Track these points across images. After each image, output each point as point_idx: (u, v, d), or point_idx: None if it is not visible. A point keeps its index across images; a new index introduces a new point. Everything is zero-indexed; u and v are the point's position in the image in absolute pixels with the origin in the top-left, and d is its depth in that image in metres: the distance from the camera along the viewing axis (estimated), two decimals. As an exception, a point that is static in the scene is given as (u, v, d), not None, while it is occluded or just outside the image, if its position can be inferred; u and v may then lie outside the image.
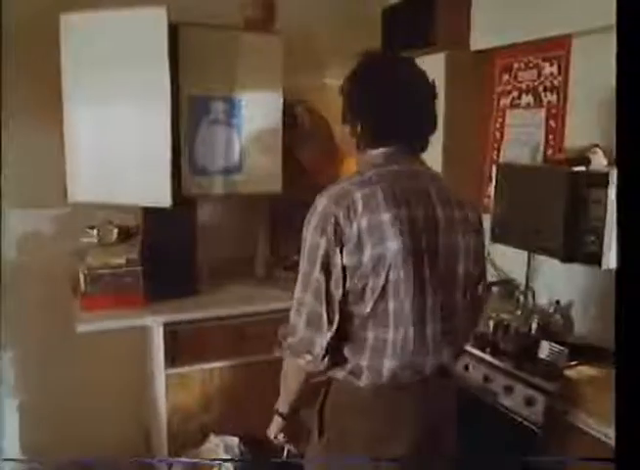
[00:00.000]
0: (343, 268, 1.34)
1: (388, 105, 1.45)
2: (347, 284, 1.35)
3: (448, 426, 1.59)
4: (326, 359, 1.40)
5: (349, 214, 1.33)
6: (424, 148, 1.53)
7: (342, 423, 1.48)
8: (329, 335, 1.37)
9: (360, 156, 1.52)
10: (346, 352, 1.41)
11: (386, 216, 1.34)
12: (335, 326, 1.37)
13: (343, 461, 1.48)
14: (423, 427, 1.48)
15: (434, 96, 1.51)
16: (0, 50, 2.41)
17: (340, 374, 1.45)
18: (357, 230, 1.33)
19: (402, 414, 1.46)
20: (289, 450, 1.71)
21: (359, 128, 1.47)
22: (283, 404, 1.60)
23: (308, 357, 1.40)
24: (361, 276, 1.35)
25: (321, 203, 1.38)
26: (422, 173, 1.49)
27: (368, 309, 1.37)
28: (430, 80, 1.51)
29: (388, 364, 1.41)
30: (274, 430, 1.65)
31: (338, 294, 1.36)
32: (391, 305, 1.37)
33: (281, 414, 1.61)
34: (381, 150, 1.47)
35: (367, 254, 1.33)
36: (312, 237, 1.36)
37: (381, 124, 1.46)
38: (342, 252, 1.33)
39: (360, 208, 1.34)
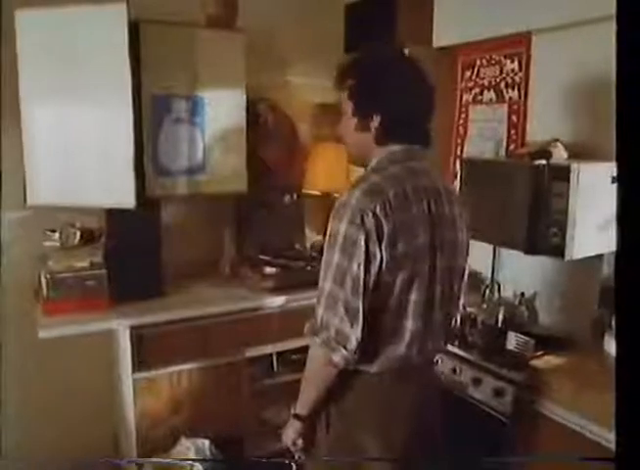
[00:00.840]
0: (380, 261, 1.36)
1: (407, 98, 1.47)
2: (380, 276, 1.38)
3: (437, 413, 1.67)
4: (357, 353, 1.39)
5: (386, 210, 1.36)
6: (430, 144, 1.57)
7: (353, 413, 1.51)
8: (363, 329, 1.38)
9: (379, 151, 1.51)
10: (368, 339, 1.41)
11: (415, 213, 1.40)
12: (368, 312, 1.38)
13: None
14: (425, 412, 1.58)
15: (435, 92, 1.55)
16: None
17: (364, 365, 1.46)
18: (393, 225, 1.36)
19: (409, 400, 1.53)
20: (298, 458, 1.64)
21: (377, 122, 1.47)
22: (304, 406, 1.54)
23: (344, 352, 1.38)
24: (393, 269, 1.38)
25: (355, 196, 1.38)
26: (432, 171, 1.53)
27: (395, 301, 1.42)
28: (424, 69, 1.53)
29: (403, 351, 1.47)
30: (292, 436, 1.58)
31: (371, 287, 1.37)
32: (413, 296, 1.43)
33: (300, 417, 1.55)
34: (400, 146, 1.49)
35: (400, 248, 1.37)
36: (348, 230, 1.36)
37: (401, 119, 1.48)
38: (380, 246, 1.35)
39: (395, 203, 1.37)
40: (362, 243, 1.34)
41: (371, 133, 1.49)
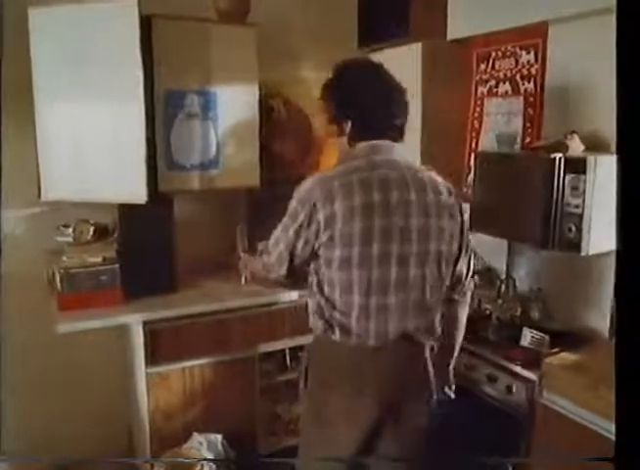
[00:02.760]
0: (315, 238, 1.62)
1: (371, 104, 1.69)
2: (316, 249, 1.64)
3: (417, 393, 1.76)
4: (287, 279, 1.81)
5: (327, 199, 1.59)
6: (401, 138, 1.75)
7: (320, 376, 1.73)
8: (289, 268, 1.72)
9: (349, 150, 1.72)
10: (324, 309, 1.68)
11: (357, 201, 1.58)
12: (295, 265, 1.71)
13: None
14: (390, 387, 1.68)
15: (404, 92, 1.75)
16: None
17: (319, 329, 1.70)
18: (331, 212, 1.58)
19: (370, 373, 1.66)
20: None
21: (349, 126, 1.70)
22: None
23: (274, 275, 1.80)
24: (332, 247, 1.61)
25: (308, 183, 1.65)
26: (399, 162, 1.69)
27: (337, 276, 1.63)
28: (397, 79, 1.75)
29: (355, 325, 1.65)
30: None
31: (303, 253, 1.67)
32: (356, 273, 1.61)
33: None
34: (365, 143, 1.69)
35: (337, 231, 1.59)
36: (295, 206, 1.65)
37: (365, 122, 1.69)
38: (316, 227, 1.61)
39: (337, 193, 1.58)
40: (300, 219, 1.62)
41: (345, 136, 1.72)
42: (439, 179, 1.73)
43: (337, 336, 1.66)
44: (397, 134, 1.74)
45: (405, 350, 1.69)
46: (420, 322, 1.70)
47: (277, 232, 1.73)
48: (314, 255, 1.66)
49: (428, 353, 1.75)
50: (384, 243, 1.60)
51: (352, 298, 1.63)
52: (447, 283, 1.76)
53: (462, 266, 1.79)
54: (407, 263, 1.63)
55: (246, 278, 2.38)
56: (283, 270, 1.73)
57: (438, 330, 1.77)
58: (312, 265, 1.71)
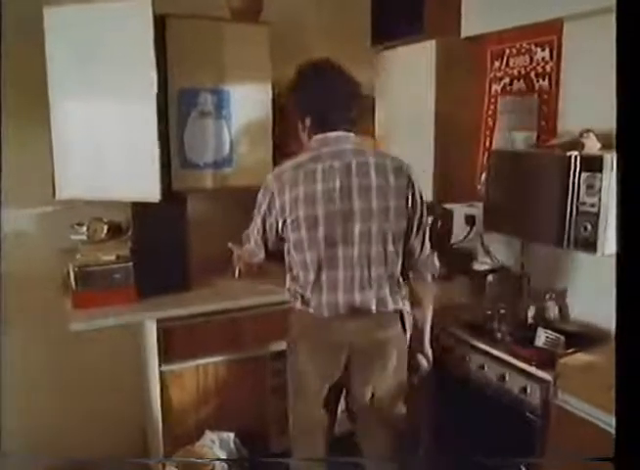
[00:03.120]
0: (276, 223, 1.92)
1: (323, 102, 1.90)
2: (281, 233, 1.94)
3: (382, 358, 1.98)
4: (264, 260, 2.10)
5: (280, 190, 1.88)
6: (352, 129, 1.95)
7: (292, 337, 2.04)
8: (267, 252, 2.04)
9: (307, 144, 1.96)
10: (291, 284, 2.00)
11: (301, 191, 1.84)
12: (270, 248, 2.02)
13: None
14: (358, 350, 1.94)
15: (356, 89, 1.97)
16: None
17: (291, 301, 2.01)
18: (283, 201, 1.87)
19: (338, 338, 1.92)
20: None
21: (308, 122, 1.92)
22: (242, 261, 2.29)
23: (256, 259, 2.11)
24: (288, 230, 1.90)
25: (268, 178, 1.94)
26: (347, 151, 1.89)
27: (296, 256, 1.92)
28: (351, 77, 1.95)
29: (311, 298, 1.92)
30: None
31: (271, 236, 1.97)
32: (308, 254, 1.89)
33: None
34: (316, 137, 1.92)
35: (289, 216, 1.87)
36: (259, 198, 1.96)
37: (321, 117, 1.91)
38: (275, 214, 1.91)
39: (287, 184, 1.87)
40: (263, 209, 1.94)
41: (305, 131, 1.96)
42: (390, 162, 1.91)
43: (299, 306, 1.96)
44: (351, 125, 1.94)
45: (355, 319, 1.91)
46: (368, 295, 1.91)
47: (253, 222, 2.01)
48: (281, 238, 1.95)
49: (385, 322, 1.96)
50: (328, 226, 1.85)
51: (308, 275, 1.91)
52: (399, 259, 1.96)
53: (413, 243, 1.98)
54: (352, 243, 1.87)
55: (239, 271, 2.47)
56: (262, 253, 2.04)
57: (390, 302, 1.95)
58: (285, 248, 1.97)
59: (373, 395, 2.00)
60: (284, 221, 1.89)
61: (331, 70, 1.93)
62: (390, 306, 1.94)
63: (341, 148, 1.89)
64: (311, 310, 1.93)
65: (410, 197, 1.90)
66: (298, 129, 2.00)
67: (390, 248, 1.91)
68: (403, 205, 1.89)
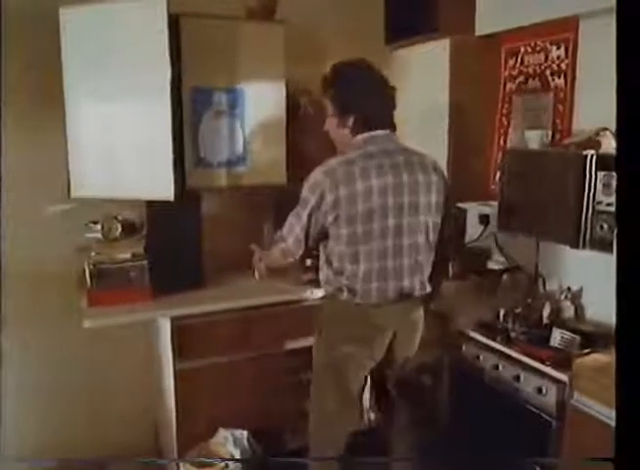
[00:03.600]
0: (324, 219, 1.95)
1: (368, 101, 1.98)
2: (327, 229, 1.97)
3: (415, 333, 2.17)
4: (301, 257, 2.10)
5: (332, 186, 1.90)
6: (394, 128, 2.05)
7: (332, 328, 2.09)
8: (305, 249, 2.05)
9: (349, 141, 2.02)
10: (334, 277, 2.04)
11: (359, 187, 1.90)
12: (310, 245, 2.03)
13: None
14: (400, 330, 2.09)
15: (393, 89, 2.05)
16: (0, 46, 2.38)
17: (329, 294, 2.09)
18: (337, 196, 1.90)
19: (383, 322, 2.04)
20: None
21: (352, 121, 1.98)
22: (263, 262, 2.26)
23: (291, 259, 2.11)
24: (339, 226, 1.94)
25: (317, 174, 1.95)
26: (394, 149, 2.00)
27: (345, 250, 1.97)
28: (384, 75, 2.04)
29: (360, 288, 2.00)
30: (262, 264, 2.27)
31: (315, 232, 1.99)
32: (361, 247, 1.96)
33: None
34: (363, 135, 1.99)
35: (343, 212, 1.91)
36: (305, 194, 1.96)
37: (366, 116, 1.98)
38: (325, 209, 1.93)
39: (341, 180, 1.90)
40: (310, 205, 1.94)
41: (347, 129, 2.00)
42: (428, 160, 2.07)
43: (344, 296, 2.02)
44: (392, 124, 2.04)
45: (399, 303, 2.05)
46: (414, 281, 2.06)
47: (290, 220, 2.02)
48: (324, 234, 1.99)
49: (419, 303, 2.13)
50: (382, 220, 1.94)
51: (358, 266, 1.97)
52: (434, 249, 2.12)
53: (445, 233, 2.15)
54: (401, 234, 1.99)
55: (260, 273, 2.40)
56: (300, 251, 2.04)
57: (428, 286, 2.12)
58: (321, 244, 2.05)
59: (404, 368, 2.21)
60: (335, 216, 1.92)
61: (370, 70, 2.01)
62: (428, 289, 2.13)
63: (387, 147, 1.99)
64: (358, 299, 2.00)
65: (444, 192, 2.08)
66: (334, 126, 2.05)
67: (431, 238, 2.07)
68: (442, 200, 2.08)
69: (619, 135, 0.93)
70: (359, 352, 2.06)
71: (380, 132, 1.99)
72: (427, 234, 2.06)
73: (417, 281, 2.08)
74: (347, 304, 2.02)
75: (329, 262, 2.04)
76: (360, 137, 1.99)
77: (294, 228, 2.01)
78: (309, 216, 1.96)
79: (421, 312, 2.16)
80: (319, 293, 2.60)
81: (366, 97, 1.98)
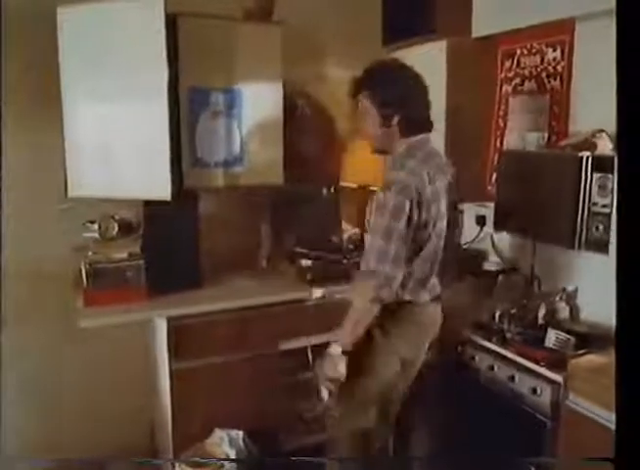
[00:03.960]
0: (418, 222, 1.87)
1: (414, 100, 1.96)
2: (417, 233, 1.89)
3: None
4: (398, 289, 1.92)
5: (420, 185, 1.86)
6: (432, 128, 2.04)
7: (395, 331, 2.01)
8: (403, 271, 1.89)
9: (399, 140, 1.98)
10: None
11: (433, 188, 1.90)
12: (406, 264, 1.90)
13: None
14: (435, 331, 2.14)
15: (427, 87, 2.01)
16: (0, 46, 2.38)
17: (401, 296, 1.98)
18: (423, 197, 1.86)
19: (429, 320, 2.09)
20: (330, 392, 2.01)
21: (397, 119, 1.94)
22: (350, 339, 1.93)
23: (388, 292, 1.86)
24: (422, 228, 1.90)
25: (399, 176, 1.87)
26: (438, 151, 2.07)
27: (420, 251, 1.93)
28: (419, 74, 1.99)
29: (424, 287, 2.02)
30: (340, 369, 1.94)
31: (409, 242, 1.87)
32: (431, 247, 1.97)
33: (346, 351, 1.94)
34: (417, 137, 1.98)
35: (425, 214, 1.88)
36: (396, 199, 1.82)
37: (414, 115, 1.96)
38: (419, 210, 1.86)
39: (425, 181, 1.88)
40: (407, 209, 1.82)
41: (392, 128, 1.96)
42: (447, 160, 2.11)
43: (400, 297, 1.97)
44: (431, 126, 2.03)
45: (436, 302, 2.09)
46: (446, 280, 2.13)
47: (375, 244, 1.85)
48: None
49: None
50: (441, 220, 1.98)
51: (424, 267, 1.98)
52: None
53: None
54: (441, 236, 2.01)
55: (329, 389, 2.02)
56: (401, 272, 1.87)
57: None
58: None
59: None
60: (421, 219, 1.89)
61: (407, 69, 1.99)
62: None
63: (434, 148, 2.04)
64: (409, 297, 2.00)
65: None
66: (376, 126, 1.99)
67: (452, 238, 2.14)
68: (457, 199, 2.17)
69: (619, 136, 0.93)
70: (414, 349, 2.09)
71: (428, 135, 2.01)
72: (452, 235, 2.14)
73: (448, 279, 2.16)
74: (402, 304, 2.00)
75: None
76: (417, 138, 1.97)
77: (387, 250, 1.83)
78: (409, 222, 1.84)
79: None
80: (316, 293, 2.61)
81: (408, 95, 1.95)
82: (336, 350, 1.93)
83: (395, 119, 1.94)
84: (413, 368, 2.11)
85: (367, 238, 1.91)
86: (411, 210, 1.83)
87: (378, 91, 1.96)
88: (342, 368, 1.93)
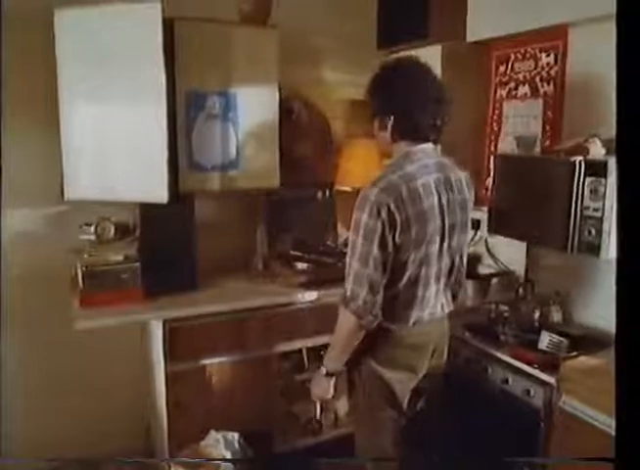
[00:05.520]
0: (394, 245, 1.71)
1: (415, 102, 1.78)
2: (396, 257, 1.73)
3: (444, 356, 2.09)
4: (379, 316, 1.77)
5: (398, 204, 1.68)
6: (439, 138, 1.88)
7: (383, 357, 1.88)
8: (383, 296, 1.75)
9: (392, 145, 1.85)
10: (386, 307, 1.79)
11: (425, 205, 1.73)
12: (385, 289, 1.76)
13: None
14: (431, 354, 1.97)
15: (448, 92, 1.84)
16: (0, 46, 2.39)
17: (387, 325, 1.83)
18: (405, 217, 1.69)
19: (421, 341, 1.92)
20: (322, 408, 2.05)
21: (391, 122, 1.80)
22: (335, 363, 1.89)
23: (370, 318, 1.74)
24: (405, 251, 1.74)
25: (374, 193, 1.69)
26: (445, 164, 1.87)
27: (407, 275, 1.77)
28: (437, 79, 1.84)
29: (417, 313, 1.85)
30: (327, 389, 1.93)
31: (388, 265, 1.73)
32: (423, 270, 1.80)
33: (332, 374, 1.91)
34: (414, 146, 1.81)
35: (412, 234, 1.72)
36: (368, 221, 1.68)
37: (411, 120, 1.79)
38: (394, 233, 1.69)
39: (407, 199, 1.70)
40: (379, 231, 1.68)
41: (387, 132, 1.83)
42: (463, 175, 1.92)
43: (398, 326, 1.85)
44: (437, 135, 1.85)
45: (442, 325, 2.01)
46: (452, 300, 2.01)
47: (354, 266, 1.73)
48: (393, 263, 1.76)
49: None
50: (441, 240, 1.82)
51: (417, 291, 1.83)
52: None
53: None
54: (451, 255, 1.89)
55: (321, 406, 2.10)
56: (380, 297, 1.75)
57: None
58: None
59: None
60: (403, 242, 1.72)
61: (416, 69, 1.83)
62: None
63: (439, 160, 1.86)
64: (394, 321, 1.85)
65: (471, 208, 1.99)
66: (376, 128, 1.88)
67: (465, 257, 2.00)
68: (470, 217, 1.99)
69: (619, 137, 0.94)
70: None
71: (430, 145, 1.84)
72: (464, 251, 1.99)
73: (450, 300, 2.01)
74: (400, 334, 1.87)
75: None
76: (413, 148, 1.80)
77: (363, 273, 1.71)
78: (381, 245, 1.69)
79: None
80: (311, 296, 2.62)
81: (407, 97, 1.78)
82: (322, 371, 1.91)
83: (390, 123, 1.81)
84: (407, 384, 1.96)
85: (347, 258, 1.79)
86: (384, 232, 1.69)
87: (375, 90, 1.85)
88: (330, 388, 1.92)
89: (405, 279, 1.78)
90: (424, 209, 1.73)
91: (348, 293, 1.75)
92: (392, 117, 1.80)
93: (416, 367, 1.94)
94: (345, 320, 1.78)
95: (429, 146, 1.84)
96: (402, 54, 1.92)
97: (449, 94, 1.83)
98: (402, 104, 1.79)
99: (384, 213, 1.67)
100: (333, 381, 1.92)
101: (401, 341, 1.87)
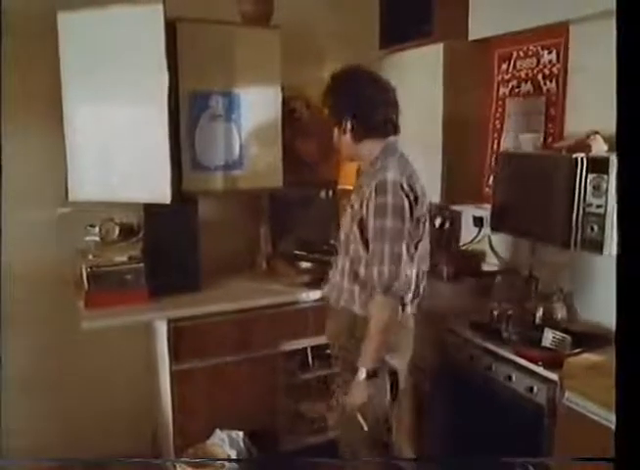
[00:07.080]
0: (411, 220, 1.83)
1: (369, 102, 1.93)
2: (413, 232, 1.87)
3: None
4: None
5: (410, 181, 1.86)
6: (398, 132, 2.03)
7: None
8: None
9: (355, 146, 1.99)
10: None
11: (418, 188, 1.88)
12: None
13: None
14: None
15: (395, 90, 2.02)
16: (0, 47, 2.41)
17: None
18: (419, 191, 1.88)
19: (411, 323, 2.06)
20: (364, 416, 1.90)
21: (349, 124, 1.94)
22: (374, 361, 1.87)
23: (409, 296, 1.93)
24: (418, 225, 1.89)
25: (388, 176, 1.83)
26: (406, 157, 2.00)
27: (415, 250, 1.92)
28: (384, 80, 2.01)
29: (410, 291, 1.94)
30: (365, 394, 1.88)
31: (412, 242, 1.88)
32: (420, 248, 1.94)
33: (372, 374, 1.87)
34: (387, 140, 1.97)
35: (423, 209, 1.90)
36: (393, 200, 1.79)
37: (366, 120, 1.94)
38: (413, 207, 1.83)
39: (413, 176, 1.91)
40: (407, 206, 1.81)
41: (347, 135, 1.97)
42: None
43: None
44: (395, 128, 2.00)
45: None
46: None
47: (386, 250, 1.79)
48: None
49: None
50: (424, 223, 1.96)
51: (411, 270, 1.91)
52: None
53: None
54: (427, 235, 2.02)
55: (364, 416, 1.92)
56: (414, 276, 1.92)
57: None
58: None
59: None
60: (414, 219, 1.87)
61: (365, 75, 1.99)
62: None
63: (402, 153, 2.00)
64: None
65: None
66: (336, 135, 2.02)
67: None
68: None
69: (620, 133, 0.94)
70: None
71: (395, 137, 2.00)
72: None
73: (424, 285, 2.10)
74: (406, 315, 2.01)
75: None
76: (390, 140, 1.98)
77: (396, 252, 1.81)
78: (410, 219, 1.83)
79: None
80: (315, 295, 2.63)
81: (359, 101, 1.93)
82: (361, 375, 1.87)
83: (348, 126, 1.95)
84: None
85: (372, 245, 1.83)
86: (410, 206, 1.82)
87: (331, 98, 2.01)
88: (366, 391, 1.89)
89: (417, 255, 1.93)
90: (422, 186, 1.91)
91: (386, 275, 1.79)
92: (350, 120, 1.94)
93: (408, 349, 2.07)
94: (384, 308, 1.83)
95: (395, 138, 1.99)
96: (348, 64, 2.02)
97: (395, 92, 2.00)
98: (356, 105, 1.93)
99: (406, 188, 1.82)
100: (369, 382, 1.88)
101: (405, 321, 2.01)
